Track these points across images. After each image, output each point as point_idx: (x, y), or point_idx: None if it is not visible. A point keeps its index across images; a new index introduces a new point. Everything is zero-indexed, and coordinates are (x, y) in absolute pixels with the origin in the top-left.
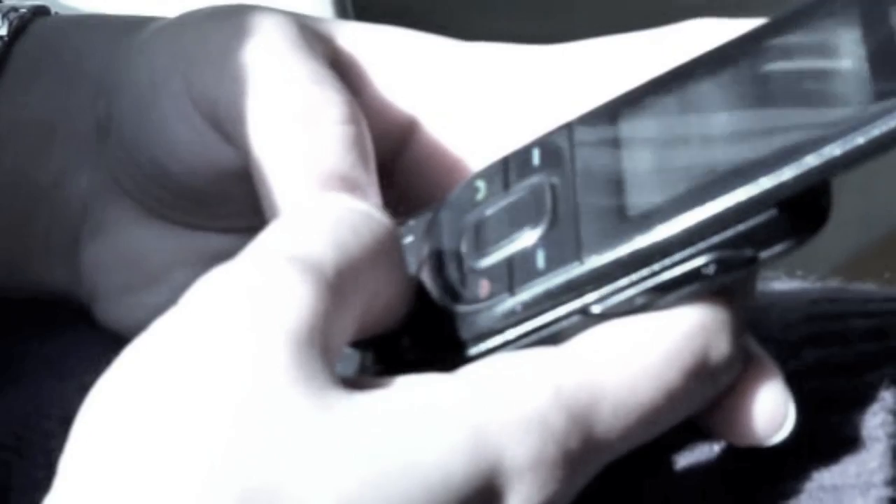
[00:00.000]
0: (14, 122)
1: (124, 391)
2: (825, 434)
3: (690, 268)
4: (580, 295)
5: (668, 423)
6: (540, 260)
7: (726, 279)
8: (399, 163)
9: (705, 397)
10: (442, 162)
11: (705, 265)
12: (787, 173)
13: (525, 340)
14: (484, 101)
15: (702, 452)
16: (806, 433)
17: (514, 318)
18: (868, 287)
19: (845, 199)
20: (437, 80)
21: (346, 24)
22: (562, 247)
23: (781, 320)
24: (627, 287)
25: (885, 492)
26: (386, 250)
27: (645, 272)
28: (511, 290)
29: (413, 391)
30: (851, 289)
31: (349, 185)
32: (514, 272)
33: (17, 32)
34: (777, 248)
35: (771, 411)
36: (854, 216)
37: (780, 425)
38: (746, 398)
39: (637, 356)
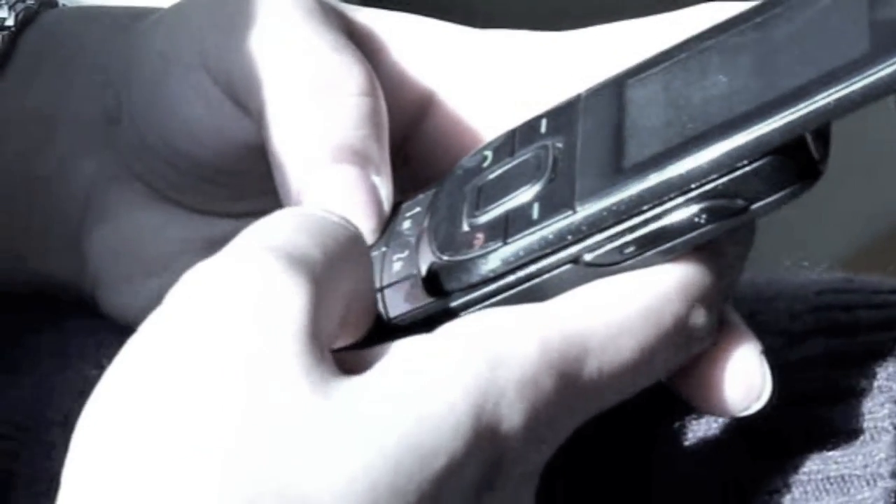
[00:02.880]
0: (17, 112)
1: (125, 397)
2: (832, 425)
3: (681, 216)
4: (572, 243)
5: (643, 383)
6: (535, 211)
7: (718, 230)
8: (413, 139)
9: (678, 360)
10: (457, 139)
11: (697, 214)
12: (775, 121)
13: (516, 290)
14: (499, 81)
15: (706, 440)
16: (812, 424)
17: (506, 266)
18: (874, 279)
19: (852, 192)
20: (453, 58)
21: (363, 8)
22: (557, 198)
23: (788, 311)
24: (618, 235)
25: (892, 483)
26: (357, 259)
27: (636, 220)
28: (505, 239)
29: (407, 364)
30: (858, 280)
31: (361, 159)
32: (510, 224)
33: (24, 24)
34: (769, 199)
35: (745, 380)
36: (860, 209)
37: (755, 396)
38: (719, 365)
39: (620, 313)
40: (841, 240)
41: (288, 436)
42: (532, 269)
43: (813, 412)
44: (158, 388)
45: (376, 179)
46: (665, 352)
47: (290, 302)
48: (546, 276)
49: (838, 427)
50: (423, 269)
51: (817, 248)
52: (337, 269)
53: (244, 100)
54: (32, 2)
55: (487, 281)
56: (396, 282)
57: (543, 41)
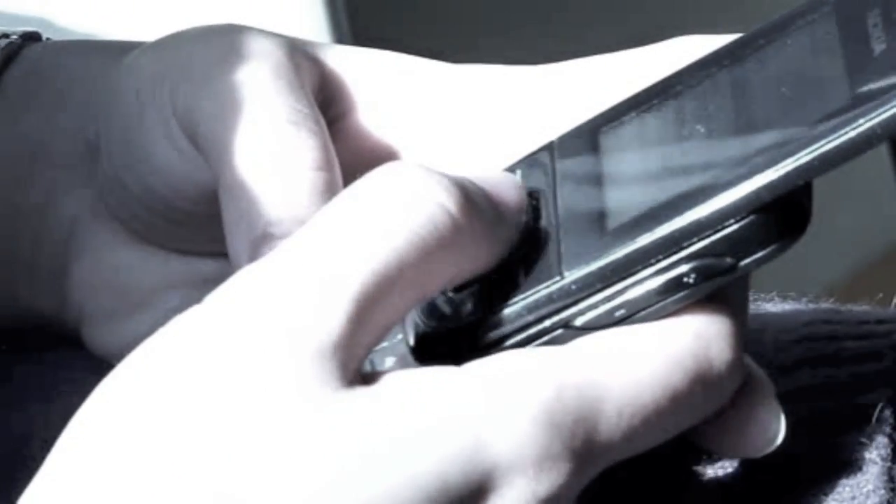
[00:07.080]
0: (2, 148)
1: (109, 413)
2: (819, 456)
3: (670, 277)
4: (562, 309)
5: (674, 429)
6: (520, 276)
7: (708, 288)
8: None
9: (711, 405)
10: None
11: (685, 274)
12: (760, 180)
13: None
14: (471, 127)
15: (698, 472)
16: (800, 455)
17: (495, 335)
18: (861, 308)
19: (837, 220)
20: (423, 106)
21: (337, 46)
22: (542, 262)
23: (775, 342)
24: (609, 299)
25: None
26: (446, 240)
27: (625, 283)
28: (491, 307)
29: (416, 391)
30: (845, 310)
31: None
32: (494, 290)
33: (8, 59)
34: (757, 255)
35: (765, 426)
36: (846, 238)
37: (772, 438)
38: (743, 412)
39: (642, 358)
40: (831, 266)
41: (270, 448)
42: (522, 336)
43: (800, 443)
44: (154, 398)
45: None
46: (693, 396)
47: (315, 324)
48: (537, 342)
49: (825, 458)
50: (411, 336)
51: (808, 275)
52: (397, 272)
53: (205, 158)
54: (16, 38)
55: (478, 350)
56: (385, 346)
57: (519, 77)
